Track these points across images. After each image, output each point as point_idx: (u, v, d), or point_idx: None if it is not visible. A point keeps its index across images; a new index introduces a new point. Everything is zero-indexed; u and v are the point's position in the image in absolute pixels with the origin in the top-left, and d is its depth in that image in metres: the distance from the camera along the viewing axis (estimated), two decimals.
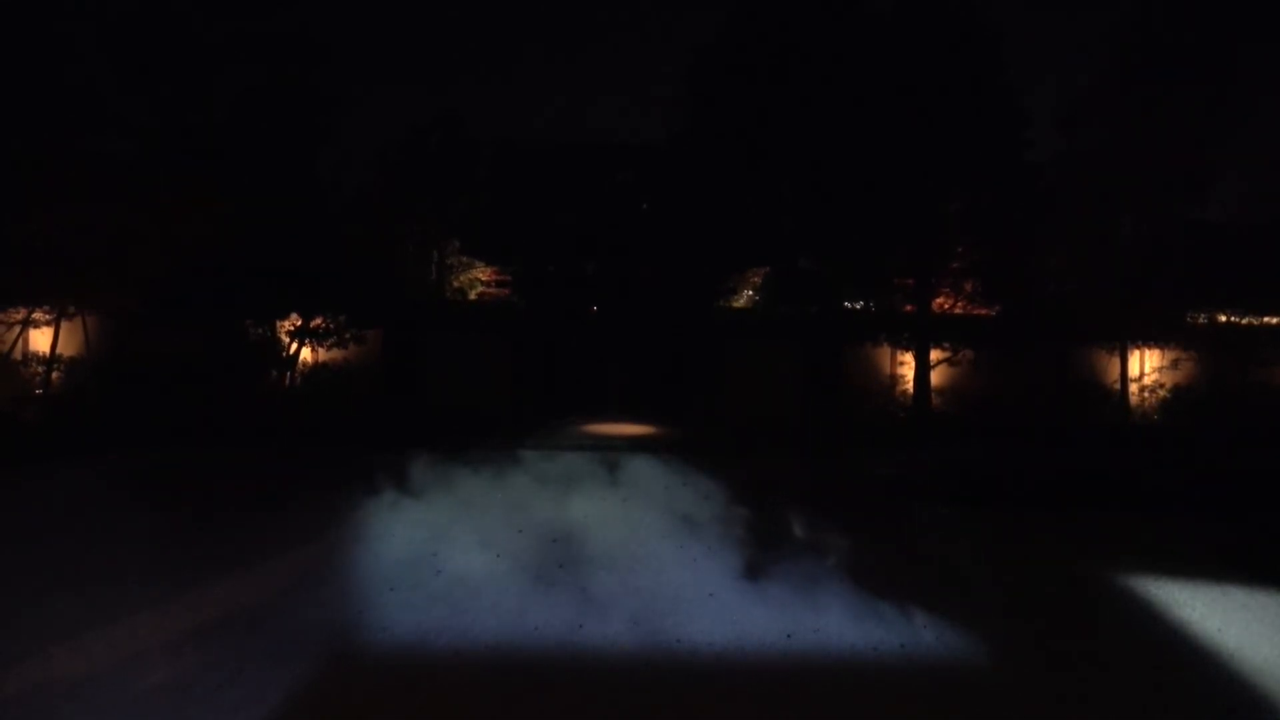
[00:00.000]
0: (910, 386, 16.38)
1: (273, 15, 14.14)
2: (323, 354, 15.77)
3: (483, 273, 19.89)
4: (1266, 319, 16.99)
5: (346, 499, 7.98)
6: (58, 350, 13.93)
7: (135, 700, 3.47)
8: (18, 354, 13.98)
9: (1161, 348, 16.64)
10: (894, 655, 4.16)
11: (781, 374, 16.89)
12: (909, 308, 16.50)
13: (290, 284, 14.22)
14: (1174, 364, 16.44)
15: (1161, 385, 16.32)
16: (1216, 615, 4.86)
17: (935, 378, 16.14)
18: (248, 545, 5.99)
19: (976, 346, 16.02)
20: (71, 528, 6.55)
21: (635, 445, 12.93)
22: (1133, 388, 16.39)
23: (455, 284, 19.46)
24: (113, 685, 3.60)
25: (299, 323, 15.05)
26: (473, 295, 19.70)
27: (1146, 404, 16.35)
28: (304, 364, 15.44)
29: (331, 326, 15.09)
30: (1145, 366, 16.87)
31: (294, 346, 15.07)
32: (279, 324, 15.13)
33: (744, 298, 19.30)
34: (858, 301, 17.31)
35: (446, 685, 3.69)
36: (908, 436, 14.07)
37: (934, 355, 16.02)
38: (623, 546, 6.19)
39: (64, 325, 13.99)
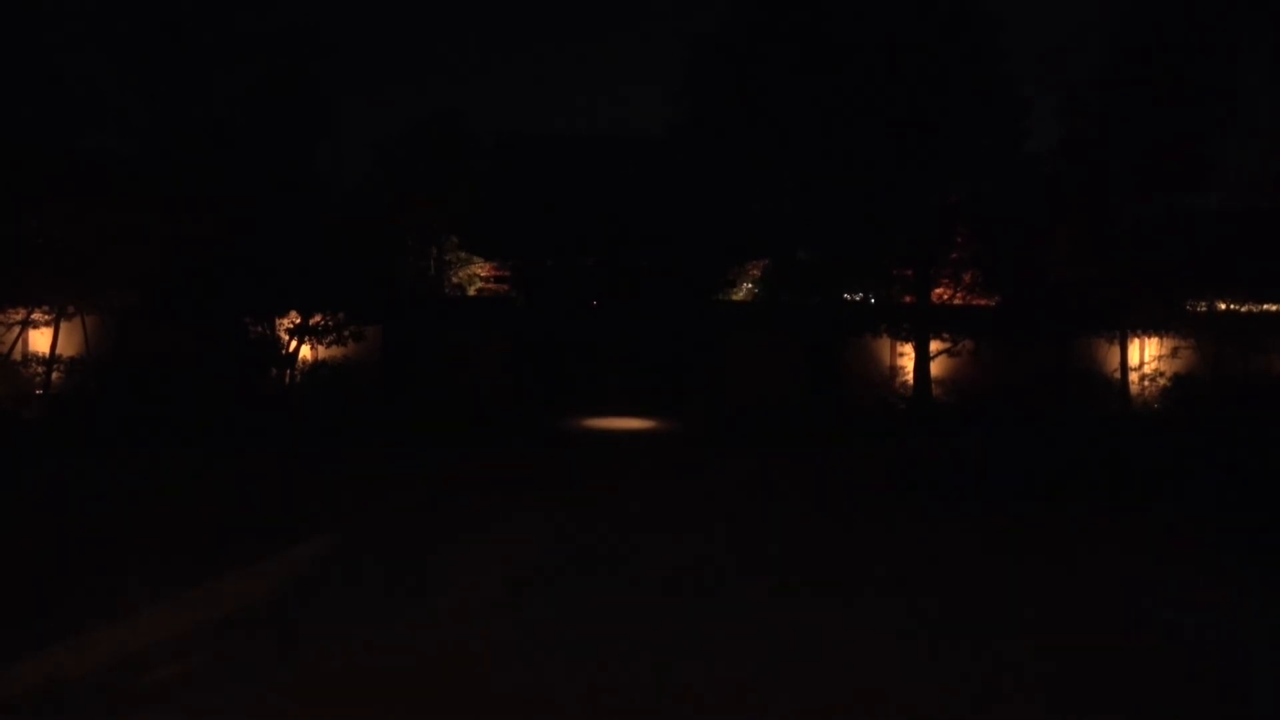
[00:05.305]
0: (911, 377, 16.38)
1: (272, 12, 14.07)
2: (322, 351, 15.75)
3: (481, 268, 19.85)
4: (1266, 306, 16.95)
5: (344, 497, 8.01)
6: (57, 350, 13.92)
7: (140, 696, 3.48)
8: (17, 354, 13.98)
9: (1161, 336, 16.61)
10: None
11: (782, 366, 16.88)
12: (909, 299, 16.49)
13: (290, 281, 14.19)
14: (1174, 352, 16.41)
15: (1162, 374, 16.30)
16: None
17: (935, 368, 16.13)
18: (249, 542, 6.00)
19: (976, 337, 16.00)
20: (76, 525, 6.57)
21: (635, 439, 12.96)
22: (1133, 376, 16.38)
23: (454, 280, 19.43)
24: (116, 685, 3.61)
25: (298, 320, 15.03)
26: (472, 291, 19.67)
27: (1147, 392, 16.34)
28: (304, 361, 15.43)
29: (331, 324, 15.06)
30: (1145, 355, 16.84)
31: (293, 344, 15.06)
32: (278, 321, 15.11)
33: (743, 290, 19.27)
34: (858, 293, 17.29)
35: (442, 667, 3.71)
36: (908, 427, 14.09)
37: (934, 346, 16.01)
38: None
39: (63, 325, 13.99)
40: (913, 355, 16.23)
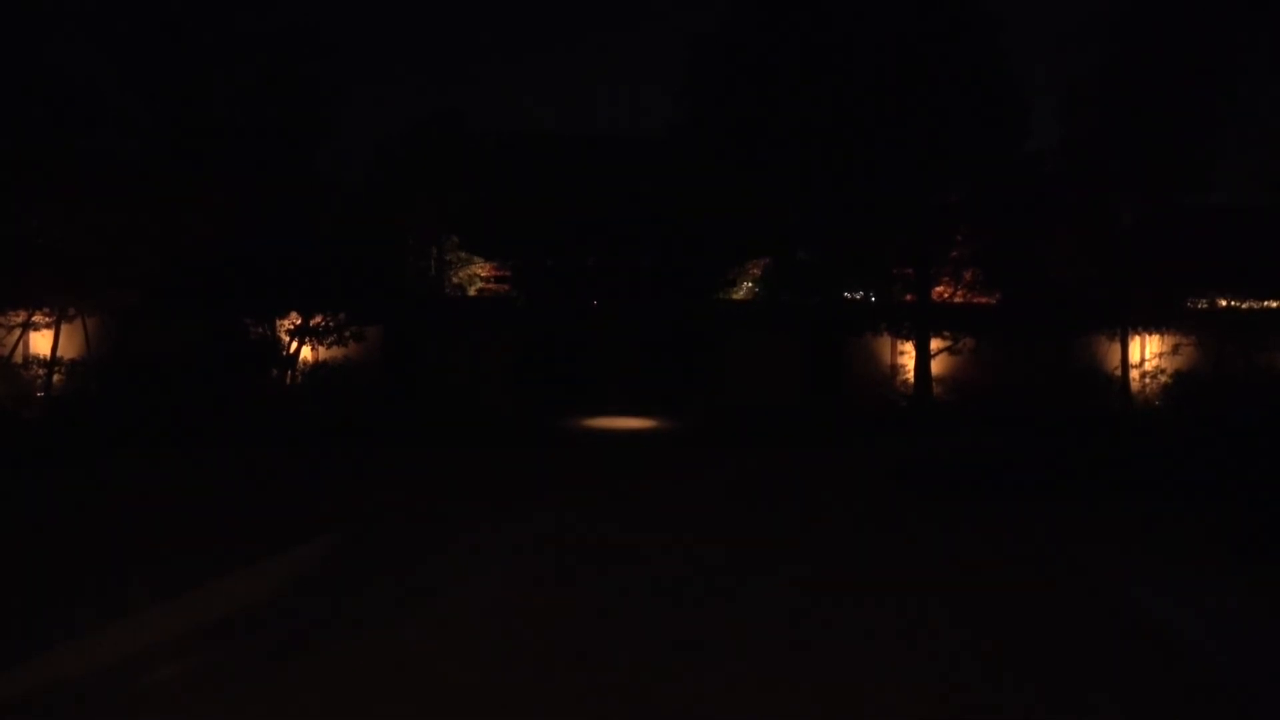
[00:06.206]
0: (911, 376, 16.37)
1: (272, 12, 14.07)
2: (323, 352, 15.75)
3: (482, 268, 19.83)
4: (1268, 303, 16.93)
5: (345, 498, 8.00)
6: (58, 352, 13.91)
7: (141, 696, 3.48)
8: (18, 357, 13.97)
9: (1162, 333, 16.59)
10: None
11: (783, 365, 16.88)
12: (909, 297, 16.48)
13: (290, 282, 14.20)
14: (1175, 350, 16.39)
15: (1163, 371, 16.27)
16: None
17: (936, 367, 16.13)
18: (250, 542, 5.99)
19: (977, 335, 16.00)
20: (77, 525, 6.57)
21: (636, 439, 12.95)
22: (1134, 374, 16.35)
23: (455, 280, 19.40)
24: (117, 685, 3.61)
25: (299, 321, 15.02)
26: (472, 291, 19.65)
27: (1148, 390, 16.31)
28: (304, 362, 15.43)
29: (331, 324, 15.05)
30: (1146, 352, 16.82)
31: (294, 345, 15.05)
32: (279, 322, 15.11)
33: (744, 290, 19.27)
34: (858, 292, 17.28)
35: (439, 658, 3.70)
36: (909, 425, 14.07)
37: (935, 344, 16.01)
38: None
39: (64, 327, 13.97)
40: (913, 354, 16.23)
